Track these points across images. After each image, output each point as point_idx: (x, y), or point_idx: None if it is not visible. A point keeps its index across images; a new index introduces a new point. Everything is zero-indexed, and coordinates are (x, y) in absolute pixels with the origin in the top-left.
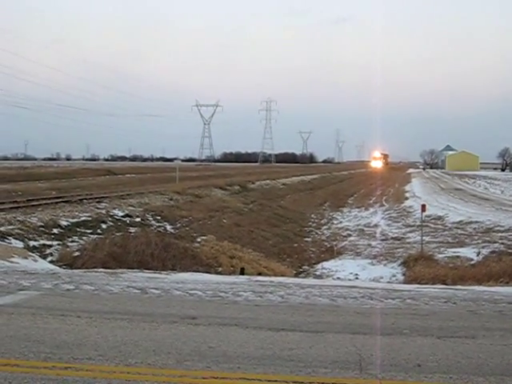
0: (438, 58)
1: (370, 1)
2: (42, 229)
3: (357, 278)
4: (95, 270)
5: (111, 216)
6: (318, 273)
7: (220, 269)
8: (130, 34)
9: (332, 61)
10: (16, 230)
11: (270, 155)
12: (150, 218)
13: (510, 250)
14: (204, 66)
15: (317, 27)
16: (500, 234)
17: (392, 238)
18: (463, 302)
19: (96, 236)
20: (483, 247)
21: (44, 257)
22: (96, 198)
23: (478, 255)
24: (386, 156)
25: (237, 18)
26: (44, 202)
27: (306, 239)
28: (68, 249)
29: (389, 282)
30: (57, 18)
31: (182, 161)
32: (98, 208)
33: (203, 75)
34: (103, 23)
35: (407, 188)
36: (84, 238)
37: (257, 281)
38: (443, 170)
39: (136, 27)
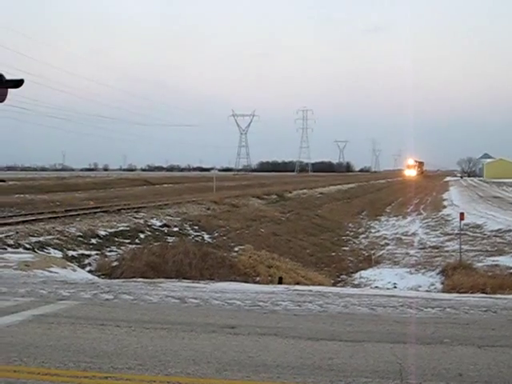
0: (475, 64)
1: (406, 10)
2: (81, 239)
3: (395, 287)
4: (134, 279)
5: (149, 226)
6: (356, 282)
7: (258, 278)
8: (167, 47)
9: (368, 69)
10: (55, 240)
11: (306, 164)
12: (188, 228)
13: None
14: (240, 77)
15: (353, 36)
16: None
17: (430, 247)
18: (504, 311)
19: (134, 246)
20: None
21: (82, 266)
22: (133, 207)
23: None
24: (420, 164)
25: (271, 27)
26: (82, 212)
27: (344, 248)
28: (106, 258)
29: (427, 291)
30: (95, 30)
31: (219, 170)
32: (135, 218)
33: (239, 85)
34: (140, 36)
35: (445, 196)
36: (122, 247)
37: (295, 290)
38: (481, 178)
39: (173, 40)
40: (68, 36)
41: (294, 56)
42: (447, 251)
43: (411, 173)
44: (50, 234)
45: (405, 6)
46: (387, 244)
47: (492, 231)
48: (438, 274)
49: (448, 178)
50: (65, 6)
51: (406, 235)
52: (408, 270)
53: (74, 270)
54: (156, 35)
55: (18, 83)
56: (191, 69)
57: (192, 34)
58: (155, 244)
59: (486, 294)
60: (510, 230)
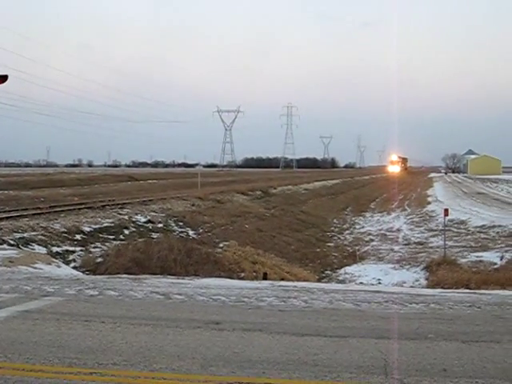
0: (462, 61)
1: (393, 6)
2: (65, 235)
3: (379, 283)
4: (118, 275)
5: (133, 222)
6: (340, 278)
7: (242, 274)
8: (154, 41)
9: (354, 66)
10: (39, 236)
11: (291, 160)
12: (173, 224)
13: None
14: (225, 72)
15: (340, 32)
16: None
17: (414, 243)
18: (488, 307)
19: (119, 242)
20: (506, 251)
21: (67, 263)
22: (118, 204)
23: (501, 259)
24: (404, 160)
25: (258, 23)
26: (67, 208)
27: (329, 244)
28: (91, 255)
29: (412, 287)
30: (82, 26)
31: (204, 166)
32: (120, 214)
33: (225, 81)
34: (127, 31)
35: (429, 192)
36: (107, 243)
37: (280, 286)
38: (465, 175)
39: (161, 34)
40: (55, 32)
41: (281, 52)
42: (431, 247)
43: (395, 169)
44: (35, 231)
45: (393, 3)
46: (372, 240)
47: (476, 227)
48: (422, 269)
49: (432, 174)
50: (53, 1)
51: (390, 231)
52: (392, 265)
53: (59, 266)
54: (143, 31)
55: (2, 79)
56: (177, 65)
57: (181, 31)
58: (140, 240)
59: (471, 289)
60: (493, 226)
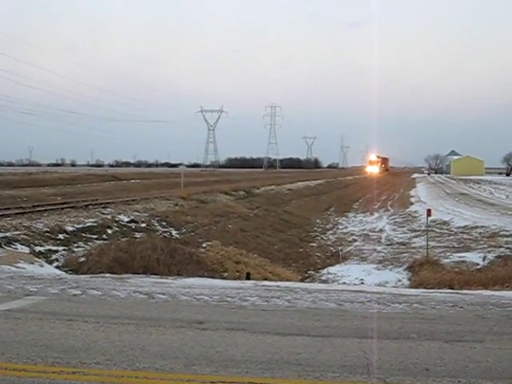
0: (444, 62)
1: (380, 7)
2: (48, 234)
3: (362, 283)
4: (101, 275)
5: (116, 221)
6: (323, 278)
7: (225, 274)
8: (140, 41)
9: (338, 66)
10: (22, 236)
11: (274, 160)
12: (156, 224)
13: None
14: (210, 72)
15: (324, 32)
16: (505, 239)
17: (397, 243)
18: (470, 307)
19: (101, 241)
20: (489, 252)
21: (50, 262)
22: (101, 203)
23: (483, 260)
24: (384, 160)
25: (244, 23)
26: (49, 207)
27: (312, 244)
28: (74, 254)
29: (395, 287)
30: (68, 26)
31: (187, 166)
32: (103, 213)
33: (208, 80)
34: (114, 30)
35: (412, 193)
36: (90, 243)
37: (263, 285)
38: (448, 175)
39: (147, 34)
40: (42, 31)
41: (266, 52)
42: (414, 247)
43: (373, 169)
44: (17, 230)
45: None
46: (355, 240)
47: (459, 227)
48: (405, 270)
49: (415, 175)
50: (40, 1)
51: (373, 231)
52: (375, 266)
53: (42, 266)
54: (130, 31)
55: None
56: (162, 64)
57: (166, 30)
58: (123, 240)
59: (453, 289)
60: (476, 227)
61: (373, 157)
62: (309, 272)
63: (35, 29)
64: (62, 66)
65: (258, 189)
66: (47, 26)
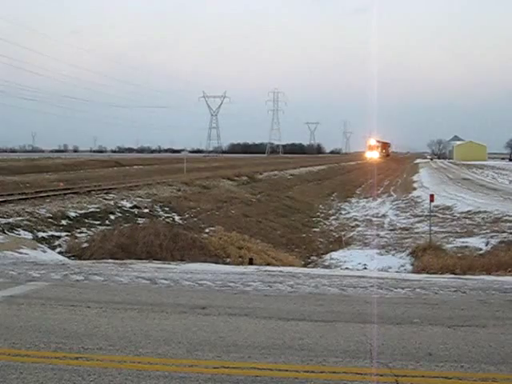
0: (449, 47)
1: None
2: (51, 220)
3: (365, 268)
4: (104, 260)
5: (119, 207)
6: (326, 263)
7: (228, 259)
8: (143, 27)
9: (341, 52)
10: (25, 222)
11: (277, 146)
12: (158, 209)
13: None
14: (212, 57)
15: (328, 19)
16: (508, 224)
17: (400, 228)
18: (473, 292)
19: (104, 227)
20: (492, 237)
21: (53, 248)
22: (104, 189)
23: (486, 245)
24: (385, 144)
25: (247, 9)
26: (52, 193)
27: (314, 229)
28: (76, 240)
29: (397, 272)
30: (69, 12)
31: (190, 152)
32: (106, 199)
33: (211, 66)
34: (118, 16)
35: (415, 178)
36: (92, 229)
37: (266, 271)
38: (451, 160)
39: (149, 20)
40: (46, 18)
41: (269, 38)
42: (417, 233)
43: (373, 155)
44: (20, 216)
45: None
46: (357, 225)
47: (461, 213)
48: (407, 255)
49: (418, 160)
50: None
51: (376, 217)
52: (378, 251)
53: (44, 252)
54: (133, 17)
55: None
56: (165, 50)
57: (169, 16)
58: (125, 225)
59: (456, 274)
60: (479, 212)
61: (372, 141)
62: (311, 257)
63: (38, 14)
64: (64, 52)
65: (261, 174)
66: (50, 12)
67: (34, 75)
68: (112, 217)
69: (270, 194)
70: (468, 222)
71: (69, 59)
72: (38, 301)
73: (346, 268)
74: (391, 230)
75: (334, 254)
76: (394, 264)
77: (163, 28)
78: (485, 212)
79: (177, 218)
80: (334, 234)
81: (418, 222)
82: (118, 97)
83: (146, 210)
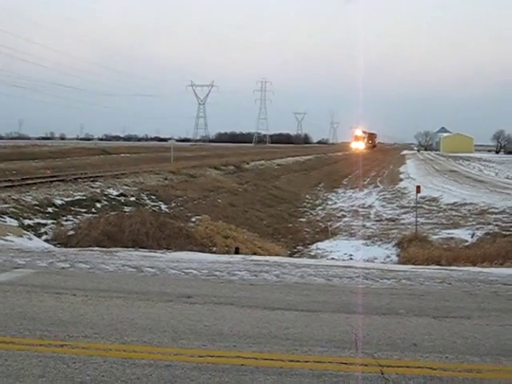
0: (437, 38)
1: None
2: (37, 207)
3: (351, 259)
4: (90, 248)
5: (106, 195)
6: (312, 253)
7: (214, 248)
8: (128, 15)
9: (329, 42)
10: (11, 209)
11: (264, 136)
12: (145, 198)
13: (504, 232)
14: (200, 46)
15: (317, 8)
16: (494, 216)
17: (386, 219)
18: (458, 283)
19: (91, 215)
20: (477, 229)
21: (39, 235)
22: (90, 177)
23: (472, 237)
24: (371, 135)
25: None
26: (39, 180)
27: (301, 220)
28: (62, 227)
29: (383, 263)
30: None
31: (177, 141)
32: (92, 187)
33: (199, 55)
34: (108, 4)
35: (402, 169)
36: (79, 216)
37: (252, 260)
38: (438, 152)
39: (135, 8)
40: (37, 5)
41: (257, 27)
42: (403, 224)
43: (359, 145)
44: (6, 203)
45: None
46: (344, 216)
47: (448, 204)
48: (393, 246)
49: (405, 152)
50: None
51: (362, 207)
52: (364, 241)
53: (30, 239)
54: (122, 5)
55: None
56: (153, 38)
57: (158, 4)
58: (112, 213)
59: (441, 266)
60: (465, 204)
61: (358, 132)
62: (298, 247)
63: (30, 2)
64: (52, 40)
65: (248, 164)
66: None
67: (21, 62)
68: (98, 205)
69: (257, 183)
70: (454, 213)
71: (56, 46)
72: (23, 288)
73: (332, 258)
74: (377, 220)
75: (321, 244)
76: (380, 255)
77: (152, 17)
78: (471, 204)
79: (163, 206)
80: (321, 224)
81: (404, 213)
82: (105, 85)
83: (133, 199)
